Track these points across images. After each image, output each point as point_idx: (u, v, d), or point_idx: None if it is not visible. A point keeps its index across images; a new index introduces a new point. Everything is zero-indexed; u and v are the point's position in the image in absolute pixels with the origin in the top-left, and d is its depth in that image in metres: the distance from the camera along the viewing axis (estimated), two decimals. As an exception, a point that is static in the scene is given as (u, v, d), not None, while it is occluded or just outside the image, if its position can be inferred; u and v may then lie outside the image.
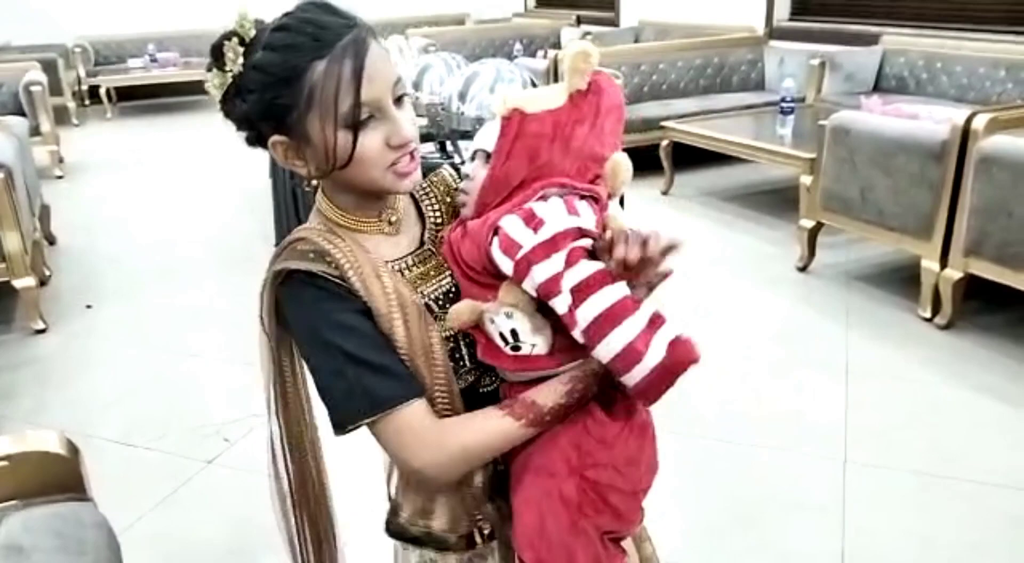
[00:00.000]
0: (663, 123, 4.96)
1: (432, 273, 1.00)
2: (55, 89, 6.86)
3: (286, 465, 1.08)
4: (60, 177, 5.94)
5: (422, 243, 1.02)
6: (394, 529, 1.07)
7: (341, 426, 0.92)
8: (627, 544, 1.04)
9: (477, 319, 0.93)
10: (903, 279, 3.51)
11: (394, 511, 1.07)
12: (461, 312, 0.94)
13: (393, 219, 1.00)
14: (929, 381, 2.82)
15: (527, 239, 0.88)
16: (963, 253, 3.04)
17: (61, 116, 7.07)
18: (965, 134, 2.99)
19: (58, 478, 1.22)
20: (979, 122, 2.95)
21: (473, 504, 1.02)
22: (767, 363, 3.00)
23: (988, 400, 2.68)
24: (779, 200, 4.71)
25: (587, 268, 0.86)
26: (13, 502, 1.20)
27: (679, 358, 0.84)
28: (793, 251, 3.84)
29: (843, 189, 3.48)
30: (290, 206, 4.10)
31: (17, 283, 3.36)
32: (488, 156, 0.95)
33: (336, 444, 1.03)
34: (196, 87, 8.70)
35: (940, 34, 5.15)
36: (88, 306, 3.68)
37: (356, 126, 0.88)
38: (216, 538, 2.18)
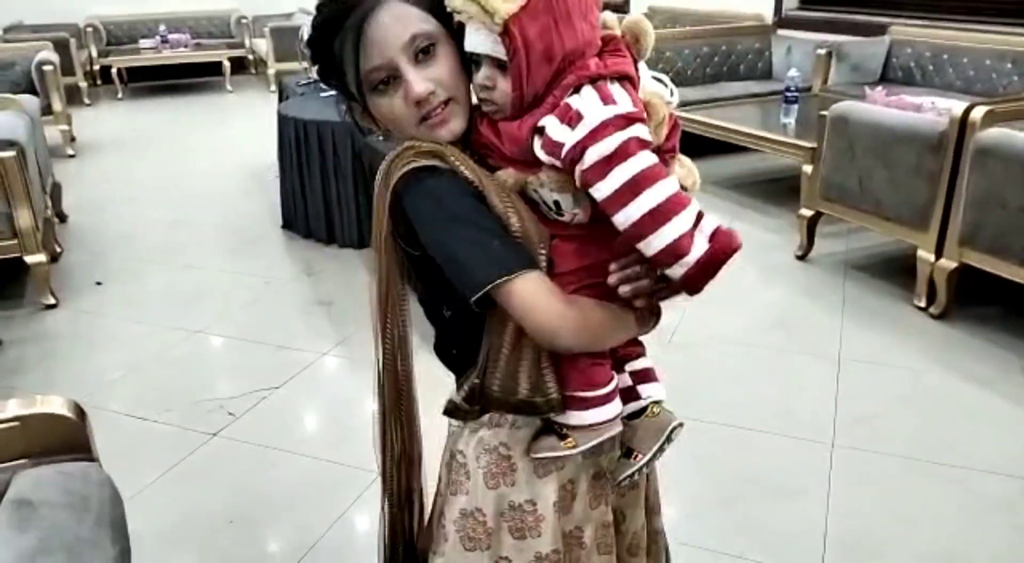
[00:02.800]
0: (668, 111, 4.97)
1: None
2: (67, 69, 6.91)
3: (381, 384, 1.11)
4: (71, 156, 6.01)
5: None
6: (478, 401, 1.06)
7: (477, 288, 0.92)
8: None
9: (520, 187, 0.97)
10: (899, 269, 3.55)
11: (479, 391, 1.05)
12: (505, 179, 0.97)
13: None
14: (920, 369, 2.86)
15: (567, 137, 0.88)
16: (958, 244, 3.07)
17: (73, 96, 7.13)
18: (963, 126, 3.02)
19: (65, 439, 1.28)
20: (976, 114, 2.97)
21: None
22: (762, 348, 3.05)
23: (978, 389, 2.73)
24: (781, 189, 4.74)
25: (645, 160, 0.87)
26: (23, 460, 1.27)
27: (723, 248, 0.88)
28: (793, 239, 3.88)
29: (842, 179, 3.51)
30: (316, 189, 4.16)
31: (29, 259, 3.43)
32: (496, 62, 0.91)
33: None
34: (206, 68, 8.82)
35: (947, 26, 5.15)
36: (98, 283, 3.76)
37: (374, 91, 0.96)
38: (218, 507, 2.25)
